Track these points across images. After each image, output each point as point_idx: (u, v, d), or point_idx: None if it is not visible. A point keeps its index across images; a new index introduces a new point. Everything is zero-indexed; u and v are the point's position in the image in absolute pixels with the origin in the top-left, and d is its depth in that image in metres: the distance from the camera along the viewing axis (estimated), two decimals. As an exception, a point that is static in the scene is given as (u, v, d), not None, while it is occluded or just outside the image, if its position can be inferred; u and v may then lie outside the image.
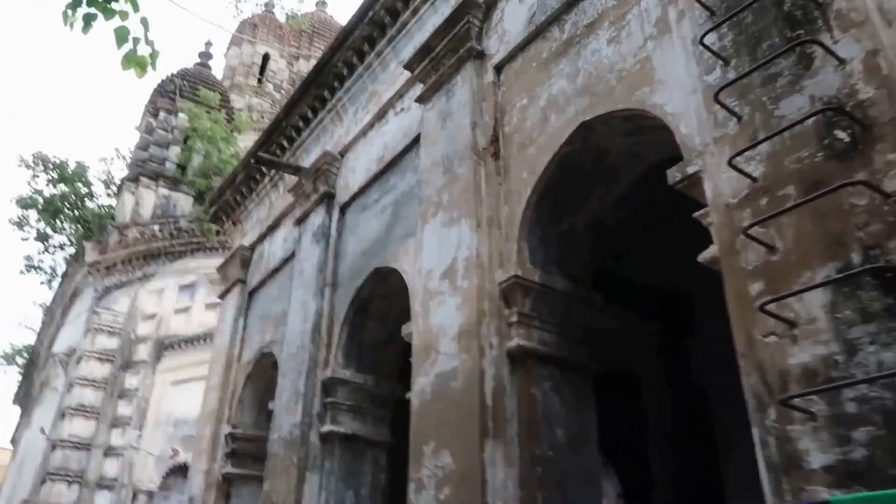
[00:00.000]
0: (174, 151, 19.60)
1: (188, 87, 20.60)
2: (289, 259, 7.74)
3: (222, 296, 9.22)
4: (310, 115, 7.78)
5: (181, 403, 16.90)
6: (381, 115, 6.62)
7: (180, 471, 16.33)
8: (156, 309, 17.59)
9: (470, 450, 3.84)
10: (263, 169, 8.71)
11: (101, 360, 16.42)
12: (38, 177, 18.98)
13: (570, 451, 3.94)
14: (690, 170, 3.21)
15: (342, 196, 6.87)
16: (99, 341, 16.56)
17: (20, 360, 26.84)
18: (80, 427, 15.59)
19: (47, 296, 25.93)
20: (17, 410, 26.16)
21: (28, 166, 18.91)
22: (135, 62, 3.94)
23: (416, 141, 5.86)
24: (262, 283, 8.34)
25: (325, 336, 6.22)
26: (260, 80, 25.89)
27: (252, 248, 8.91)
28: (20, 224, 20.05)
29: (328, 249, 6.71)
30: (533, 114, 4.58)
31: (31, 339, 26.04)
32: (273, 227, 8.48)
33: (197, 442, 8.21)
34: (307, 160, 7.75)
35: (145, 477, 15.82)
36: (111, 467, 15.51)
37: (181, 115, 20.03)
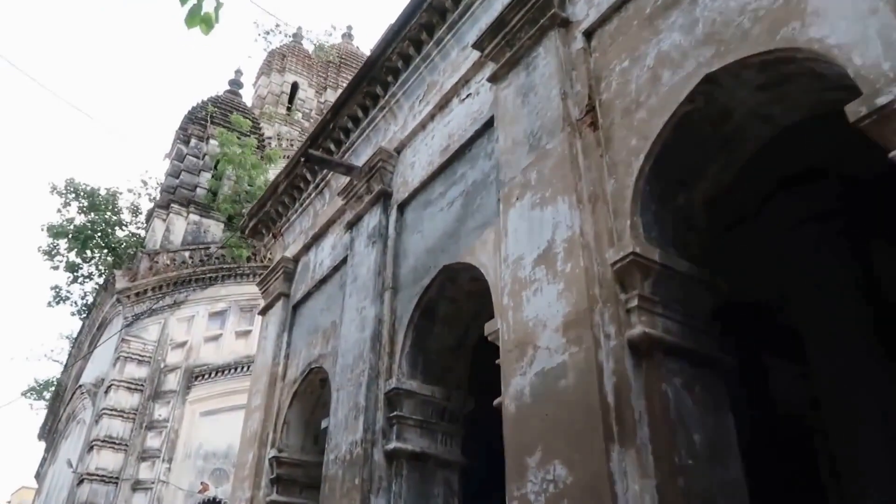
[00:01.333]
0: (205, 178, 19.36)
1: (219, 113, 20.46)
2: (338, 267, 7.20)
3: (263, 311, 8.67)
4: (360, 114, 7.30)
5: (211, 435, 16.30)
6: (442, 105, 6.11)
7: (210, 506, 15.67)
8: (186, 337, 17.12)
9: (592, 458, 3.18)
10: (308, 175, 8.23)
11: (130, 389, 15.91)
12: (69, 205, 18.79)
13: (712, 459, 3.27)
14: (882, 100, 2.61)
15: (400, 194, 6.33)
16: (128, 370, 16.07)
17: (47, 395, 26.47)
18: (107, 460, 15.00)
19: (74, 327, 25.62)
20: (43, 446, 25.73)
21: (60, 193, 18.73)
22: (199, 19, 3.54)
23: (487, 125, 5.33)
24: (308, 296, 7.78)
25: (387, 344, 5.61)
26: (289, 109, 25.79)
27: (296, 259, 8.38)
28: (50, 252, 19.81)
29: (386, 251, 6.15)
30: (638, 75, 4.01)
31: (57, 373, 25.72)
32: (319, 236, 7.95)
33: (238, 469, 7.57)
34: (357, 162, 7.24)
35: (174, 513, 15.13)
36: (139, 502, 14.84)
37: (212, 141, 19.85)
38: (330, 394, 7.06)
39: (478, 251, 4.95)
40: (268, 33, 28.41)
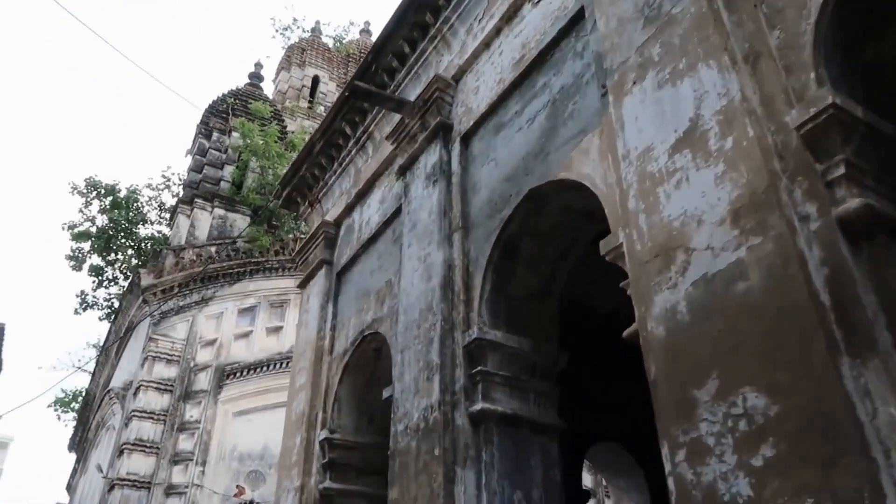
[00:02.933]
0: (228, 171, 18.65)
1: (240, 105, 19.78)
2: (390, 221, 6.33)
3: (303, 283, 7.81)
4: (406, 49, 6.42)
5: (245, 436, 15.52)
6: (510, 15, 5.21)
7: (246, 510, 14.86)
8: (215, 334, 16.35)
9: (810, 378, 2.25)
10: (347, 129, 7.37)
11: (160, 390, 15.16)
12: (90, 204, 18.17)
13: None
14: None
15: (462, 125, 5.44)
16: (157, 370, 15.33)
17: (75, 406, 25.92)
18: (138, 464, 14.24)
19: (101, 334, 25.01)
20: (73, 458, 25.16)
21: (81, 193, 18.12)
22: None
23: (574, 21, 4.43)
24: (355, 259, 6.91)
25: (462, 291, 4.70)
26: (311, 103, 25.09)
27: (337, 224, 7.53)
28: (75, 257, 19.20)
29: (450, 189, 5.26)
30: None
31: (85, 382, 25.17)
32: (364, 194, 7.09)
33: (283, 455, 6.71)
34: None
35: (210, 518, 14.33)
36: (173, 508, 14.06)
37: (234, 134, 19.15)
38: (385, 366, 6.20)
39: (576, 163, 4.04)
40: (286, 29, 27.87)
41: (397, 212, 6.18)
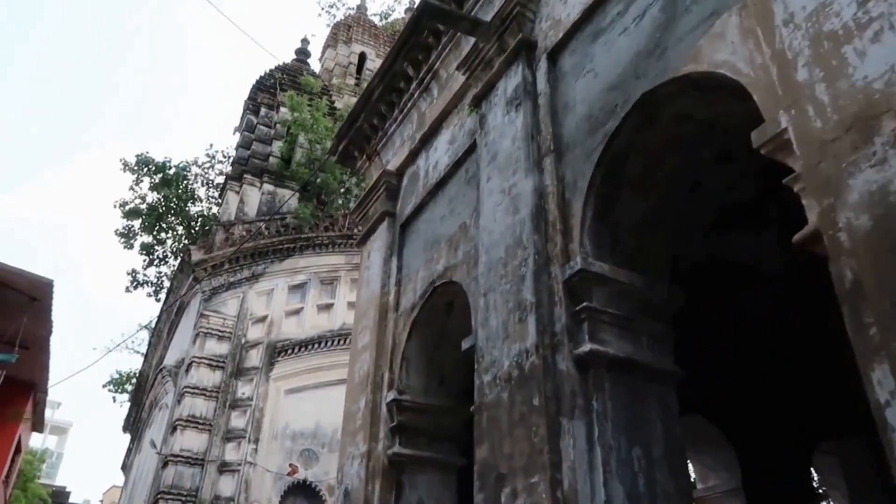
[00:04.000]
0: (277, 146, 18.30)
1: (288, 80, 19.41)
2: (461, 161, 5.71)
3: (362, 240, 7.27)
4: (477, -29, 5.77)
5: (297, 414, 15.19)
6: None
7: (300, 489, 14.51)
8: (266, 311, 16.05)
9: None
10: (409, 70, 6.77)
11: (212, 366, 14.91)
12: (141, 181, 18.05)
13: None
14: None
15: (549, 39, 4.76)
16: (208, 346, 15.09)
17: (128, 387, 26.17)
18: (191, 440, 14.02)
19: (154, 313, 25.10)
20: (128, 438, 25.41)
21: (132, 170, 18.01)
22: None
23: None
24: (421, 208, 6.32)
25: (558, 220, 4.05)
26: (357, 81, 24.62)
27: (399, 173, 6.95)
28: (126, 235, 19.15)
29: (537, 111, 4.59)
30: None
31: (138, 364, 25.36)
32: (429, 137, 6.48)
33: (347, 420, 6.18)
34: (467, 42, 5.73)
35: (263, 497, 14.04)
36: (226, 485, 13.80)
37: (283, 109, 18.79)
38: (457, 323, 5.62)
39: (707, 51, 3.34)
40: (331, 6, 27.42)
41: (470, 149, 5.55)
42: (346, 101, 23.47)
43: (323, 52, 25.91)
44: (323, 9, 31.69)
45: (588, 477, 3.29)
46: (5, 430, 10.85)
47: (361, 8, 27.41)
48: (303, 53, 21.65)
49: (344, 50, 24.95)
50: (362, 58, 25.35)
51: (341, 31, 25.44)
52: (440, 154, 6.16)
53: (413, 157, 6.74)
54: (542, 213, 4.17)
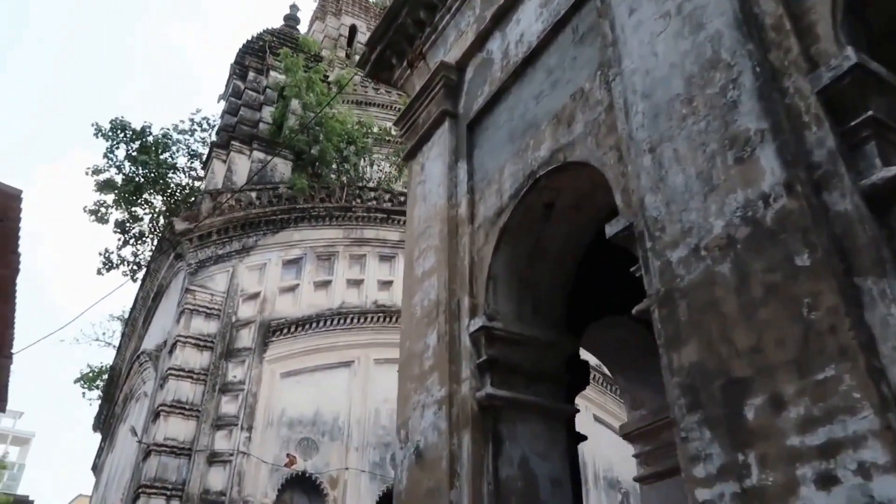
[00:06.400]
0: (267, 112, 16.79)
1: (278, 44, 17.94)
2: (567, 18, 4.41)
3: (411, 153, 5.92)
4: None
5: (294, 400, 13.69)
6: None
7: (298, 482, 13.00)
8: (258, 287, 14.53)
9: None
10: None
11: (199, 346, 13.35)
12: (117, 147, 16.35)
13: None
14: None
15: None
16: (194, 324, 13.52)
17: (100, 384, 24.28)
18: (177, 428, 12.43)
19: (126, 304, 23.25)
20: (97, 441, 23.54)
21: (105, 136, 16.32)
22: None
23: None
24: (499, 97, 5.00)
25: (786, 19, 2.77)
26: (348, 54, 23.22)
27: (460, 67, 5.63)
28: (97, 212, 17.43)
29: None
30: None
31: (109, 359, 23.54)
32: (505, 13, 5.17)
33: (408, 363, 4.80)
34: None
35: (258, 490, 12.50)
36: (217, 478, 12.24)
37: (273, 73, 17.31)
38: (555, 232, 4.34)
39: None
40: (320, -23, 25.89)
41: (577, 3, 4.27)
42: (337, 75, 22.09)
43: (311, 25, 24.45)
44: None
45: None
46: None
47: (350, -20, 25.99)
48: (292, 20, 20.20)
49: (333, 22, 23.53)
50: (353, 30, 23.94)
51: (330, 3, 24.03)
52: (527, 24, 4.86)
53: (480, 42, 5.43)
54: (751, 17, 2.88)
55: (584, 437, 4.71)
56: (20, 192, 4.70)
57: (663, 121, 3.12)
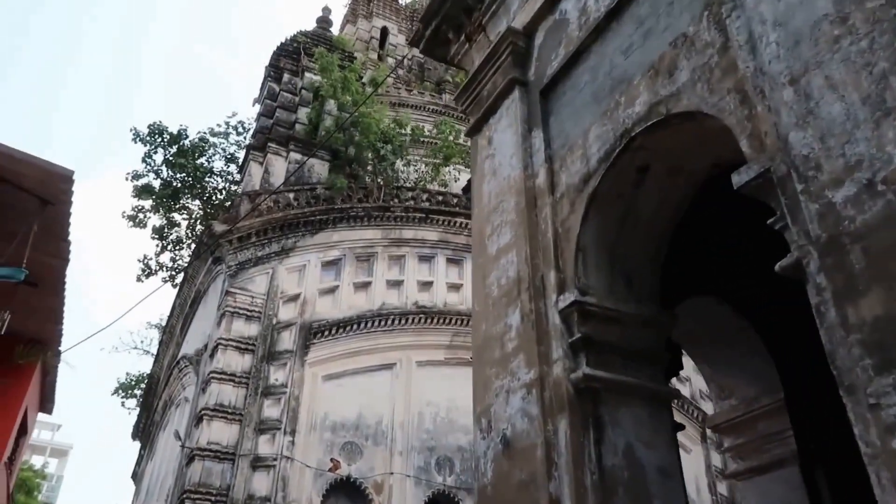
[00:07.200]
0: (303, 112, 16.61)
1: (312, 45, 17.79)
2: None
3: (476, 127, 5.55)
4: None
5: (337, 403, 13.40)
6: None
7: (343, 487, 12.68)
8: (298, 289, 14.30)
9: None
10: None
11: (240, 349, 13.13)
12: (155, 153, 16.30)
13: None
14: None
15: None
16: (235, 327, 13.31)
17: (138, 392, 24.26)
18: (220, 433, 12.19)
19: (164, 313, 23.21)
20: (136, 449, 23.50)
21: (143, 140, 16.27)
22: None
23: None
24: (578, 57, 4.61)
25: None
26: (381, 56, 23.03)
27: (527, 33, 5.26)
28: (135, 217, 17.39)
29: None
30: None
31: (146, 368, 23.49)
32: (580, -31, 4.81)
33: (484, 349, 4.41)
34: None
35: (303, 496, 12.21)
36: (261, 483, 11.96)
37: (307, 74, 17.15)
38: (648, 199, 3.95)
39: None
40: (348, -19, 25.83)
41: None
42: (370, 77, 21.91)
43: (342, 28, 24.35)
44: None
45: None
46: (10, 390, 8.59)
47: (380, -17, 25.86)
48: (325, 22, 20.08)
49: (364, 24, 23.40)
50: (384, 32, 23.78)
51: (361, 5, 23.90)
52: (609, -24, 4.47)
53: (551, 3, 5.06)
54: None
55: (682, 426, 4.27)
56: (72, 172, 4.40)
57: (806, 48, 2.71)
